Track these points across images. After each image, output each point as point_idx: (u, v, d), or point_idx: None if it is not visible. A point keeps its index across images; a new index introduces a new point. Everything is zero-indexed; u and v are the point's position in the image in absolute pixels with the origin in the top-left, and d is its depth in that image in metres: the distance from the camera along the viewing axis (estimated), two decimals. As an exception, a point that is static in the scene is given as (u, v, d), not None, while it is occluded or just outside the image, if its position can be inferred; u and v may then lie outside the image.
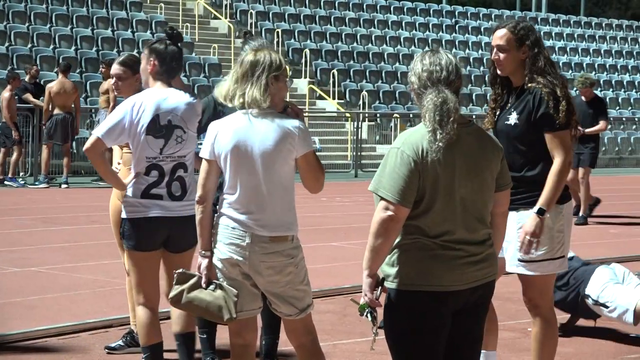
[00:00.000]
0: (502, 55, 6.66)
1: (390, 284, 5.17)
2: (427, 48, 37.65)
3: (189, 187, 7.03)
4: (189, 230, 6.66)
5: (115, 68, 7.80)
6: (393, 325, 5.23)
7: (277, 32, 35.83)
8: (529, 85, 6.58)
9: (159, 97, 6.98)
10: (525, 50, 6.60)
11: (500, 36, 6.65)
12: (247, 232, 5.90)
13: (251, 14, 37.08)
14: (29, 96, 23.43)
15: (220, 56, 33.95)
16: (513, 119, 6.60)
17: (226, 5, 37.69)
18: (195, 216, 6.21)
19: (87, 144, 6.90)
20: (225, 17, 37.08)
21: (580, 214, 17.58)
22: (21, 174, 23.44)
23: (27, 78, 23.79)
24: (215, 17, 37.41)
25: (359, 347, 8.68)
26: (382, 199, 5.05)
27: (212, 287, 5.96)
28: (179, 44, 7.19)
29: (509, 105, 6.71)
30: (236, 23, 36.77)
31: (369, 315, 5.14)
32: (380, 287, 5.15)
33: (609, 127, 30.91)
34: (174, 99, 7.02)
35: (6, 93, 22.65)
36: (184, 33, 34.76)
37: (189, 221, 6.66)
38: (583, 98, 17.42)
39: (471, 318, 5.31)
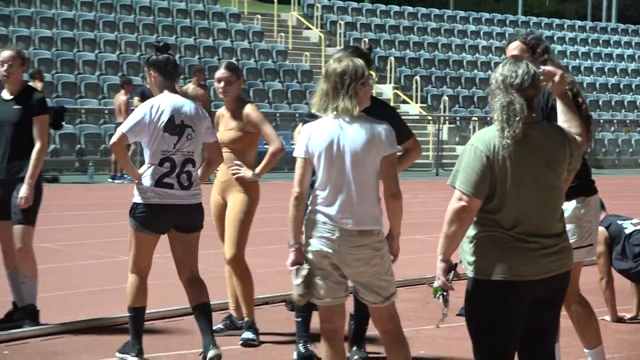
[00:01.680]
0: None
1: (468, 274, 5.19)
2: (504, 56, 37.56)
3: (194, 180, 7.55)
4: (196, 215, 7.56)
5: (222, 72, 8.25)
6: (472, 313, 5.23)
7: (364, 41, 35.74)
8: None
9: (173, 100, 7.56)
10: (536, 57, 6.63)
11: (514, 47, 6.79)
12: (336, 226, 5.90)
13: (340, 24, 37.09)
14: (136, 100, 23.65)
15: (311, 63, 34.03)
16: None
17: (317, 17, 37.79)
18: (199, 204, 7.46)
19: (114, 139, 7.48)
20: (317, 28, 37.17)
21: None
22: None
23: (147, 84, 23.98)
24: (307, 28, 37.51)
25: (440, 333, 8.63)
26: (456, 190, 5.10)
27: (303, 271, 5.97)
28: (169, 52, 7.77)
29: None
30: (326, 33, 36.83)
31: (440, 297, 5.20)
32: (453, 272, 5.19)
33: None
34: (183, 103, 7.60)
35: (122, 97, 22.93)
36: (279, 42, 34.96)
37: (195, 208, 7.54)
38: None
39: (547, 308, 5.28)
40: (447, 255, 5.17)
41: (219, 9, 35.96)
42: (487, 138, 5.13)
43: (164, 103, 7.50)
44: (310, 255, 5.97)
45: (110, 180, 23.03)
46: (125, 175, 22.95)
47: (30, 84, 9.37)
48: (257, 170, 8.17)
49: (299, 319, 7.70)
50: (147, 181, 7.46)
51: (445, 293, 5.19)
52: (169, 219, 7.50)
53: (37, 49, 28.76)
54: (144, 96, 23.47)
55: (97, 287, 8.62)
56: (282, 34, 35.98)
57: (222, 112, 8.39)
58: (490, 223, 5.13)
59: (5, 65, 8.44)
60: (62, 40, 29.67)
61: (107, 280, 9.07)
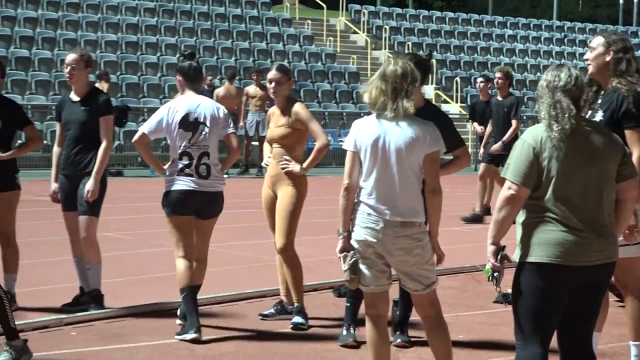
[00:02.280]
0: (589, 55, 6.67)
1: (516, 257, 5.25)
2: (539, 59, 37.12)
3: (212, 170, 7.98)
4: (214, 202, 8.01)
5: (274, 73, 8.29)
6: (516, 294, 5.28)
7: (408, 44, 35.73)
8: (613, 85, 6.49)
9: (189, 102, 8.00)
10: (610, 54, 6.52)
11: (594, 41, 6.70)
12: (380, 217, 5.88)
13: (385, 29, 37.02)
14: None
15: (358, 66, 33.98)
16: (599, 116, 6.48)
17: (364, 22, 37.74)
18: (219, 192, 7.99)
19: (135, 137, 8.02)
20: (363, 32, 37.12)
21: (478, 210, 15.58)
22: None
23: (205, 86, 24.12)
24: (355, 32, 37.47)
25: (478, 319, 8.61)
26: (507, 180, 5.20)
27: (350, 258, 5.96)
28: (194, 59, 8.22)
29: (597, 104, 6.60)
30: (372, 37, 36.78)
31: (492, 278, 5.29)
32: (501, 254, 5.25)
33: None
34: (199, 102, 8.03)
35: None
36: (328, 46, 34.96)
37: (213, 195, 7.99)
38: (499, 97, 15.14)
39: (588, 296, 5.30)
40: (496, 239, 5.27)
41: (272, 14, 35.99)
42: (535, 133, 5.24)
43: (180, 104, 8.00)
44: (355, 244, 5.96)
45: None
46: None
47: (97, 84, 9.46)
48: (305, 164, 8.17)
49: (348, 304, 7.72)
50: (171, 172, 7.98)
51: (496, 274, 5.27)
52: (193, 203, 7.93)
53: (103, 52, 28.93)
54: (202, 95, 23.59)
55: (158, 273, 8.66)
56: (331, 38, 35.95)
57: (274, 110, 8.40)
58: (538, 210, 5.20)
59: (69, 67, 8.48)
60: (126, 44, 29.83)
61: (167, 267, 9.10)
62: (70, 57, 8.52)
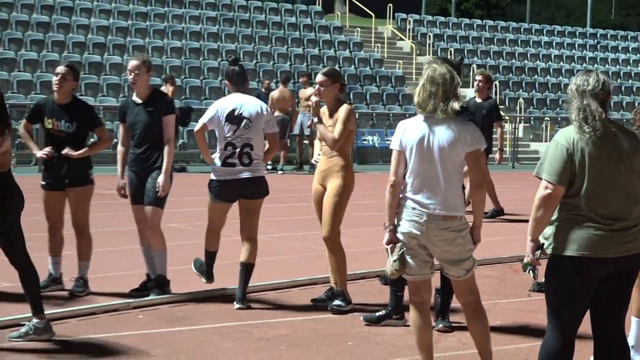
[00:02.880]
0: None
1: (548, 250, 5.25)
2: (573, 64, 36.74)
3: (255, 158, 8.40)
4: (256, 184, 8.46)
5: (320, 77, 8.26)
6: (548, 283, 5.29)
7: (450, 50, 35.57)
8: None
9: (236, 100, 8.48)
10: None
11: None
12: (424, 211, 5.86)
13: (429, 36, 36.89)
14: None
15: (404, 70, 33.88)
16: None
17: (409, 29, 37.66)
18: (261, 177, 8.44)
19: (197, 127, 8.43)
20: (409, 39, 37.01)
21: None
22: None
23: (262, 88, 24.15)
24: (401, 39, 37.37)
25: (515, 306, 8.55)
26: (543, 180, 5.19)
27: (396, 250, 5.95)
28: (238, 65, 8.74)
29: None
30: (417, 43, 36.64)
31: (530, 271, 5.30)
32: (540, 250, 5.25)
33: None
34: (245, 101, 8.49)
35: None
36: (376, 52, 34.92)
37: (257, 180, 8.44)
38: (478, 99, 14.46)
39: (618, 285, 5.29)
40: (535, 236, 5.26)
41: (324, 22, 35.99)
42: (567, 134, 5.23)
43: (229, 101, 8.49)
44: (401, 236, 5.95)
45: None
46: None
47: (163, 87, 9.47)
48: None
49: (394, 288, 7.73)
50: (217, 162, 8.44)
51: (533, 268, 5.28)
52: (235, 190, 8.42)
53: (169, 58, 29.10)
54: (259, 98, 23.60)
55: (218, 261, 8.69)
56: (379, 45, 35.89)
57: (324, 110, 8.40)
58: (570, 207, 5.19)
59: (132, 73, 8.52)
60: (190, 50, 29.98)
61: (226, 255, 9.12)
62: (133, 63, 8.56)
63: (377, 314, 7.84)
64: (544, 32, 41.70)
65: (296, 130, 23.34)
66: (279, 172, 22.33)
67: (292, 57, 31.71)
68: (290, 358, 6.83)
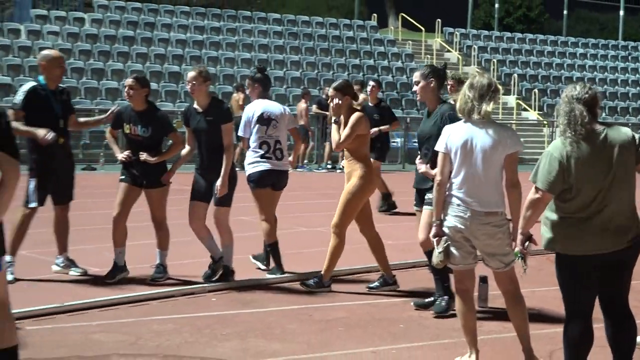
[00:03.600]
0: None
1: (552, 249, 5.40)
2: (606, 73, 36.16)
3: (284, 154, 9.02)
4: (284, 178, 9.05)
5: (330, 91, 8.44)
6: (556, 274, 5.47)
7: (493, 61, 35.32)
8: None
9: (264, 104, 9.10)
10: None
11: None
12: (468, 208, 5.86)
13: (474, 48, 36.67)
14: (314, 107, 23.89)
15: (451, 79, 33.65)
16: None
17: (456, 42, 37.46)
18: (287, 170, 9.07)
19: (241, 144, 9.29)
20: (455, 51, 36.82)
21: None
22: (305, 161, 23.85)
23: (324, 96, 24.23)
24: (448, 51, 37.17)
25: (551, 294, 8.46)
26: (535, 186, 5.32)
27: (443, 242, 5.96)
28: (264, 72, 9.36)
29: None
30: (463, 55, 36.45)
31: (520, 259, 5.60)
32: (528, 242, 5.51)
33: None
34: (271, 105, 9.16)
35: (303, 104, 23.16)
36: (425, 62, 34.76)
37: (284, 173, 9.04)
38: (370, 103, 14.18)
39: (616, 272, 5.39)
40: (525, 230, 5.49)
41: (379, 36, 35.98)
42: (558, 144, 5.26)
43: (258, 106, 9.07)
44: (447, 230, 5.95)
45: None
46: (304, 165, 23.20)
47: (234, 94, 9.45)
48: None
49: (437, 276, 7.72)
50: (256, 158, 8.93)
51: (523, 256, 5.55)
52: (270, 178, 8.91)
53: (239, 68, 29.31)
54: (321, 104, 23.68)
55: (282, 251, 8.74)
56: (428, 56, 35.75)
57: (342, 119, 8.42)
58: (566, 210, 5.27)
59: (190, 83, 8.50)
60: (258, 60, 30.14)
61: (289, 245, 9.18)
62: (191, 74, 8.45)
63: (426, 300, 7.84)
64: (579, 44, 41.21)
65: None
66: (338, 171, 22.35)
67: (350, 67, 31.74)
68: (348, 338, 6.86)
